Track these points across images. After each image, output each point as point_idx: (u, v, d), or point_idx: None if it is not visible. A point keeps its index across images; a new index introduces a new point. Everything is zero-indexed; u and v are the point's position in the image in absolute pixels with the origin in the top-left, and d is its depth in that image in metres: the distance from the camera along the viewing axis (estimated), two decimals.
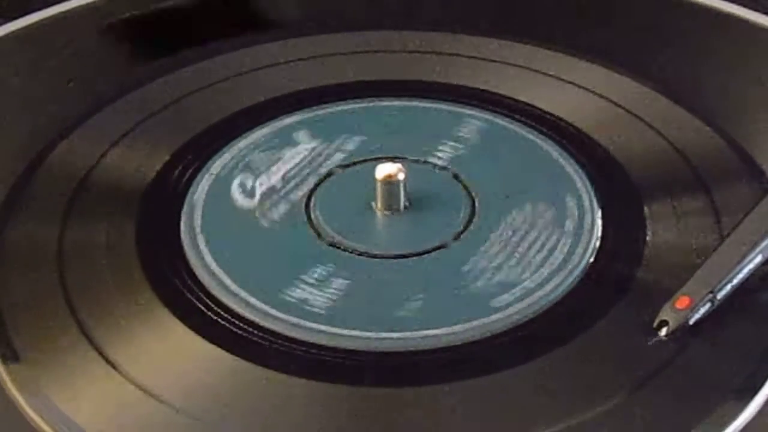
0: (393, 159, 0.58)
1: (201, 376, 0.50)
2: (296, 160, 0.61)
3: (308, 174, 0.60)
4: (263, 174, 0.60)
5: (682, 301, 0.51)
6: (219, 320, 0.52)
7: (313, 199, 0.58)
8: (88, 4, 0.73)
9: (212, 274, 0.54)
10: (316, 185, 0.59)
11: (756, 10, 0.71)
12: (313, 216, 0.57)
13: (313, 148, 0.61)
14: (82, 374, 0.50)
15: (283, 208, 0.58)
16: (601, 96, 0.65)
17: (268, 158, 0.61)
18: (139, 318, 0.53)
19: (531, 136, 0.62)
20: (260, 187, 0.59)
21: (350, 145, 0.62)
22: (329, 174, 0.60)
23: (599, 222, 0.57)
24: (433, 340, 0.51)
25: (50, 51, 0.70)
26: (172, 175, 0.60)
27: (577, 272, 0.54)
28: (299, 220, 0.57)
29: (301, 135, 0.62)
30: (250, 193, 0.59)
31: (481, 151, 0.61)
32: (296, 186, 0.59)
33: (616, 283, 0.54)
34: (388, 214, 0.57)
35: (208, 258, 0.55)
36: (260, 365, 0.50)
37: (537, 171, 0.60)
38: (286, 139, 0.62)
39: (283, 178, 0.60)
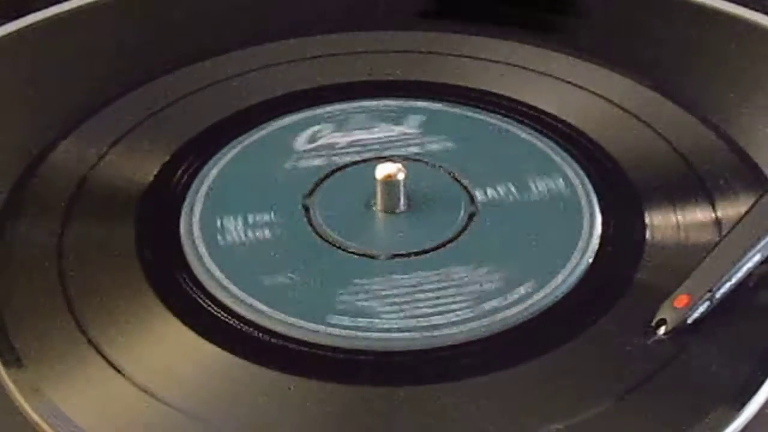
0: (393, 159, 0.59)
1: (201, 377, 0.50)
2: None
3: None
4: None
5: (680, 300, 0.51)
6: (219, 320, 0.52)
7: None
8: (88, 4, 0.73)
9: (212, 274, 0.54)
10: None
11: (756, 10, 0.71)
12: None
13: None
14: (83, 375, 0.50)
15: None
16: (600, 96, 0.65)
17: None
18: (139, 318, 0.53)
19: (530, 137, 0.62)
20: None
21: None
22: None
23: (599, 222, 0.57)
24: (432, 340, 0.51)
25: (50, 51, 0.70)
26: (172, 175, 0.60)
27: (577, 272, 0.54)
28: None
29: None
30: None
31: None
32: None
33: (615, 283, 0.54)
34: (388, 214, 0.57)
35: (208, 258, 0.55)
36: (260, 365, 0.50)
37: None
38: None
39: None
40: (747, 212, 0.54)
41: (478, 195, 0.58)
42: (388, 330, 0.52)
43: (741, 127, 0.63)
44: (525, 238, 0.56)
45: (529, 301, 0.53)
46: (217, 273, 0.54)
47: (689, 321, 0.51)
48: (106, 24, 0.72)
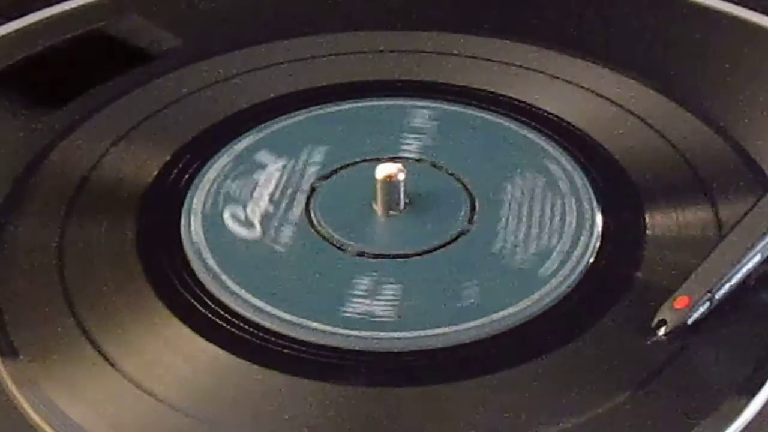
0: (393, 159, 0.59)
1: (200, 376, 0.50)
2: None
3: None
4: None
5: (680, 301, 0.51)
6: (219, 320, 0.52)
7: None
8: (88, 5, 0.73)
9: (212, 273, 0.54)
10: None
11: (756, 10, 0.71)
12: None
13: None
14: (83, 374, 0.50)
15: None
16: (601, 96, 0.65)
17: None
18: (139, 317, 0.53)
19: (531, 136, 0.62)
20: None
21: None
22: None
23: (599, 222, 0.57)
24: (432, 340, 0.51)
25: (50, 51, 0.70)
26: (173, 174, 0.60)
27: (577, 272, 0.54)
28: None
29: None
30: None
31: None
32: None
33: (616, 283, 0.54)
34: (388, 214, 0.57)
35: (208, 257, 0.55)
36: (260, 365, 0.50)
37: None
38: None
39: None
40: (746, 213, 0.54)
41: (479, 195, 0.58)
42: (387, 330, 0.52)
43: (741, 127, 0.63)
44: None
45: (529, 302, 0.53)
46: (218, 272, 0.54)
47: (689, 322, 0.51)
48: (106, 24, 0.72)
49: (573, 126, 0.63)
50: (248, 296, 0.53)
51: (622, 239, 0.56)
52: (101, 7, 0.73)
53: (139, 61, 0.68)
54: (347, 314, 0.52)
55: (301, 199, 0.58)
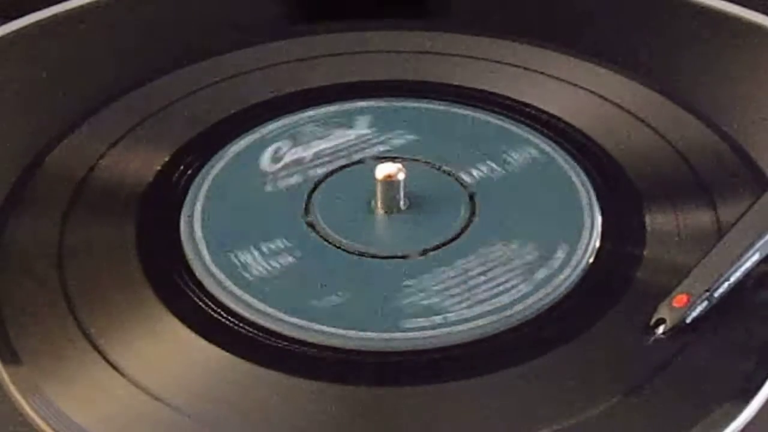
0: (393, 159, 0.59)
1: (201, 376, 0.50)
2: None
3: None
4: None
5: (679, 299, 0.51)
6: (219, 320, 0.52)
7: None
8: (88, 4, 0.73)
9: (212, 274, 0.54)
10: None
11: (756, 10, 0.71)
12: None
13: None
14: (83, 374, 0.50)
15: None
16: (601, 96, 0.65)
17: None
18: (139, 318, 0.53)
19: (531, 136, 0.62)
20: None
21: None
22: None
23: (599, 222, 0.57)
24: (432, 340, 0.51)
25: (50, 51, 0.70)
26: (173, 175, 0.60)
27: (577, 272, 0.54)
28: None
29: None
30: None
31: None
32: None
33: (615, 283, 0.54)
34: (388, 214, 0.57)
35: (208, 257, 0.55)
36: (260, 365, 0.50)
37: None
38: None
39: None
40: (745, 212, 0.54)
41: (478, 195, 0.58)
42: (388, 330, 0.52)
43: (741, 127, 0.63)
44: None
45: (529, 302, 0.53)
46: (217, 273, 0.54)
47: (688, 320, 0.51)
48: (106, 24, 0.72)
49: (573, 126, 0.63)
50: (248, 296, 0.53)
51: (622, 239, 0.56)
52: (102, 8, 0.73)
53: None
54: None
55: (300, 199, 0.58)
